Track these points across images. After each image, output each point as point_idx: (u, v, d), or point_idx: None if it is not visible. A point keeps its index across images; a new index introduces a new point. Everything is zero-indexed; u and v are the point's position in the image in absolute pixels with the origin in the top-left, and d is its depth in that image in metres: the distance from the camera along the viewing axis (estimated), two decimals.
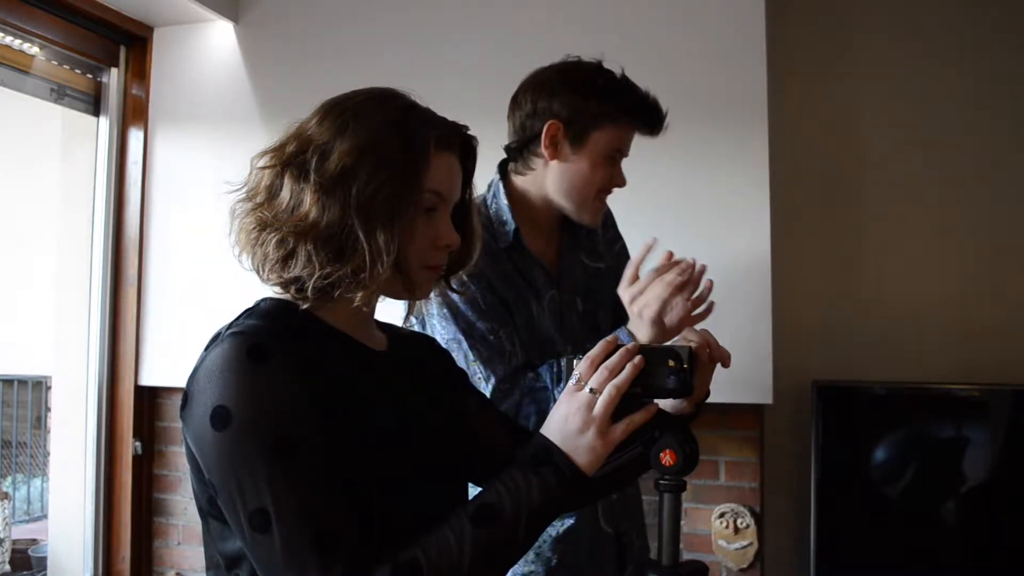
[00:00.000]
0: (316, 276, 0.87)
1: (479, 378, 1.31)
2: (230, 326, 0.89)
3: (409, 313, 1.09)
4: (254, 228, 0.90)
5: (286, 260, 0.88)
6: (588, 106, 1.36)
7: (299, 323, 0.91)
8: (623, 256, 1.62)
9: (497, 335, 1.32)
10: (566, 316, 1.46)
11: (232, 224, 0.93)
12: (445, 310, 1.32)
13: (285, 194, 0.89)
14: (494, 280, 1.35)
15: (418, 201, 0.91)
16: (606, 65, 1.41)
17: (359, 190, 0.87)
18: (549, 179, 1.41)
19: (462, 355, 1.31)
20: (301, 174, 0.89)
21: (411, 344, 1.09)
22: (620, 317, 1.36)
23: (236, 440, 0.80)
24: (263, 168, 0.91)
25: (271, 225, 0.88)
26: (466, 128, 0.98)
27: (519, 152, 1.44)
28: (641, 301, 1.25)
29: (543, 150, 1.38)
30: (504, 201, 1.43)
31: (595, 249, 1.57)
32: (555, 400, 1.25)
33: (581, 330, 1.46)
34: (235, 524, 0.82)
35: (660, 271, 1.25)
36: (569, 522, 1.40)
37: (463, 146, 0.98)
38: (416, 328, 1.37)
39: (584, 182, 1.39)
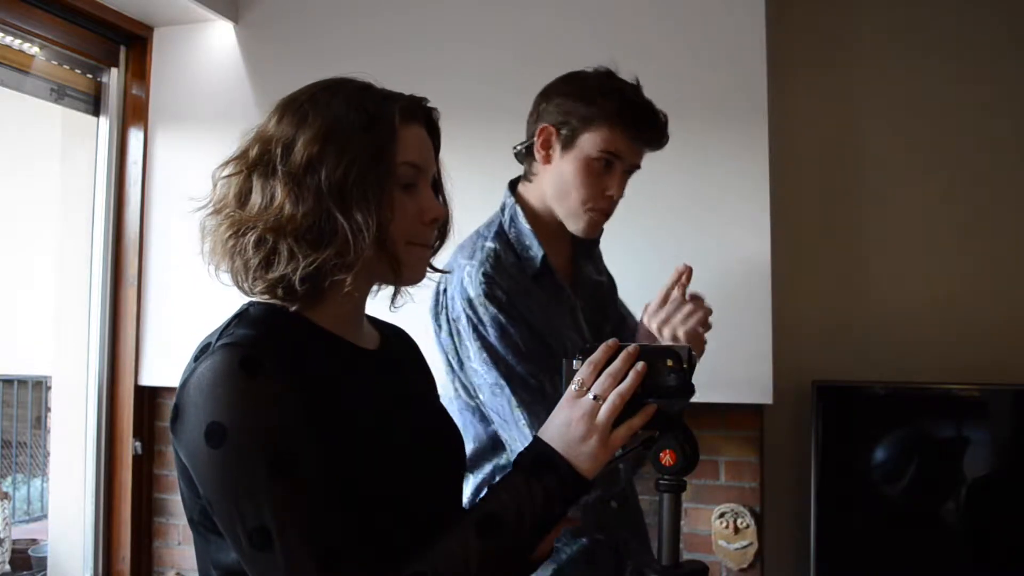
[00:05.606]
0: (301, 268, 0.85)
1: (522, 424, 1.24)
2: (219, 335, 0.86)
3: (394, 299, 1.04)
4: (229, 236, 0.87)
5: (268, 260, 0.86)
6: (577, 108, 1.33)
7: (290, 328, 0.88)
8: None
9: (538, 378, 1.26)
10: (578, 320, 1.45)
11: (204, 241, 0.90)
12: (485, 355, 1.27)
13: (256, 196, 0.87)
14: (530, 316, 1.29)
15: (393, 175, 0.89)
16: (620, 75, 1.38)
17: (328, 174, 0.86)
18: (546, 184, 1.39)
19: (505, 400, 1.26)
20: (269, 172, 0.87)
21: (399, 339, 1.08)
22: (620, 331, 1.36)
23: (232, 457, 0.78)
24: (229, 176, 0.89)
25: (246, 227, 0.86)
26: (426, 100, 0.96)
27: (525, 157, 1.43)
28: (671, 326, 1.32)
29: (537, 154, 1.38)
30: (525, 225, 1.38)
31: (598, 264, 1.57)
32: None
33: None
34: (233, 540, 0.80)
35: (679, 301, 1.33)
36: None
37: (427, 119, 0.97)
38: (456, 371, 1.34)
39: (569, 186, 1.35)
